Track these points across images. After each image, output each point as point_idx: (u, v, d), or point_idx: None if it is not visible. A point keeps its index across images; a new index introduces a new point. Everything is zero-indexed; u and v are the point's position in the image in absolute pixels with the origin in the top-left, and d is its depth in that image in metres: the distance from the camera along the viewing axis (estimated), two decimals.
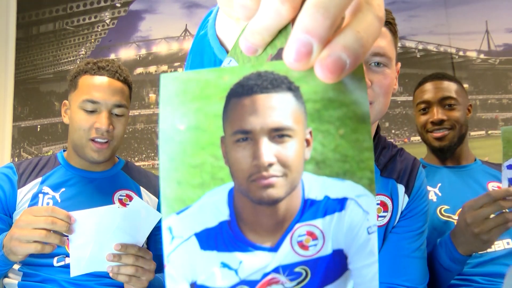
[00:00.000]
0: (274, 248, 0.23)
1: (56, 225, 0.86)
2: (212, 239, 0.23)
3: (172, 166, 0.22)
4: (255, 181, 0.23)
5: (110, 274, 0.91)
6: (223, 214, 0.23)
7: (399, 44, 2.11)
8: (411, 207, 0.93)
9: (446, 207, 1.21)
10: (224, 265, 0.23)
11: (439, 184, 1.26)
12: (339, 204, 0.23)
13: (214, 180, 0.23)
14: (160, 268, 1.03)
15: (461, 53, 2.07)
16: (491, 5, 2.06)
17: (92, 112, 1.10)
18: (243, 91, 0.23)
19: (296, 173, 0.23)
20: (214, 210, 0.23)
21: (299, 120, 0.23)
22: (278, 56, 0.23)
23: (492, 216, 0.92)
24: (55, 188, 1.12)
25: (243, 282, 0.23)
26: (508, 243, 1.15)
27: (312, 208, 0.23)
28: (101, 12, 2.22)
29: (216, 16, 0.35)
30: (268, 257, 0.23)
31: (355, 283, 0.24)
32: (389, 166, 0.93)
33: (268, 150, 0.23)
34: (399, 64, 0.92)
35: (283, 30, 0.23)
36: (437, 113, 1.27)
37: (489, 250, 1.12)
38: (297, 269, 0.23)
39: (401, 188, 0.92)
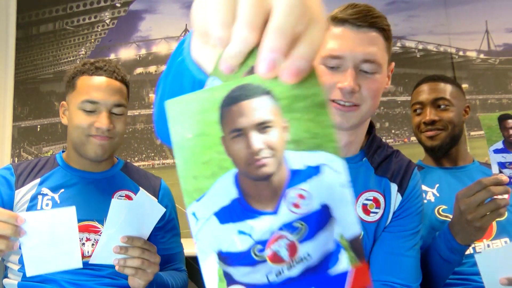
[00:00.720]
0: (275, 212, 0.30)
1: None
2: (228, 214, 0.30)
3: (187, 166, 0.30)
4: (251, 164, 0.30)
5: (117, 267, 0.92)
6: (233, 193, 0.30)
7: (399, 44, 2.11)
8: (405, 207, 0.94)
9: (444, 207, 1.22)
10: (240, 232, 0.30)
11: (437, 185, 1.27)
12: (317, 169, 0.30)
13: (221, 170, 0.30)
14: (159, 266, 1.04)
15: (461, 53, 2.07)
16: (491, 5, 2.06)
17: (91, 112, 1.10)
18: (231, 101, 0.30)
19: (281, 152, 0.30)
20: (226, 192, 0.30)
21: (276, 113, 0.29)
22: (250, 72, 0.30)
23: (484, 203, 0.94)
24: (54, 189, 1.11)
25: (257, 242, 0.30)
26: (506, 242, 1.16)
27: (297, 176, 0.30)
28: (101, 12, 2.22)
29: (190, 43, 0.42)
30: (271, 219, 0.30)
31: (340, 226, 0.30)
32: (384, 165, 0.95)
33: (257, 139, 0.30)
34: (393, 63, 0.93)
35: (252, 52, 0.30)
36: (429, 114, 1.28)
37: (487, 249, 1.13)
38: (295, 224, 0.30)
39: (394, 187, 0.94)
